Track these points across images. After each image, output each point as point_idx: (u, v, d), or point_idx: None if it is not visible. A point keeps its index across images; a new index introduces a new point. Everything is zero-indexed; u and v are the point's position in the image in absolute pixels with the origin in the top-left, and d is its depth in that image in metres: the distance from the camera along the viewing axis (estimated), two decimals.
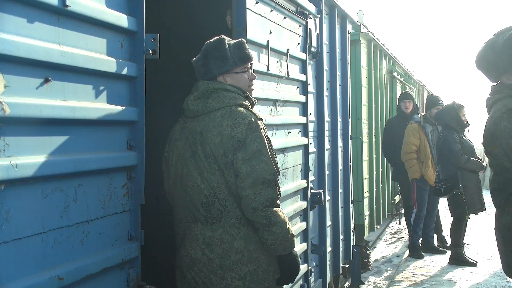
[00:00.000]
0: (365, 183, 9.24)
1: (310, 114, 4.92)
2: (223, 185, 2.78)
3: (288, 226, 2.84)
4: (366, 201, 9.21)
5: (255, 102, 3.01)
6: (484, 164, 7.42)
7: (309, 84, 4.82)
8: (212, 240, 2.80)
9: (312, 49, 4.97)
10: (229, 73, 2.92)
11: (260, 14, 3.79)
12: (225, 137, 2.77)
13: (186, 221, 2.87)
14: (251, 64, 3.01)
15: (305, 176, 4.72)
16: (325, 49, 5.54)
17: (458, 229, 7.67)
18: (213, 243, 2.80)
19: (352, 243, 6.59)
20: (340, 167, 6.14)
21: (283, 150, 4.20)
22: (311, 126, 4.98)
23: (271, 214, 2.77)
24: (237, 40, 2.98)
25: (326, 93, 5.55)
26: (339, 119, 6.16)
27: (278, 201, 2.83)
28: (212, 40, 2.97)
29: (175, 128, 2.98)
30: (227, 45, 2.92)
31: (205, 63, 2.92)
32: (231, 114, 2.80)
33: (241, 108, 2.85)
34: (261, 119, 2.89)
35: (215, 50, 2.91)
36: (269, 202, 2.77)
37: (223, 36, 2.97)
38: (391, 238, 10.71)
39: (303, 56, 4.68)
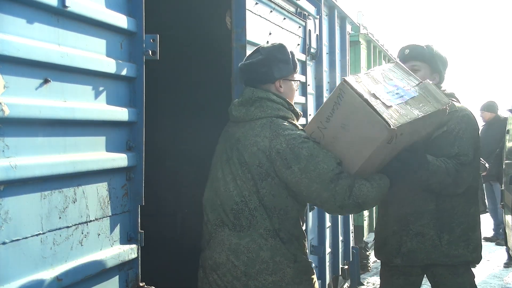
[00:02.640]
0: None
1: (310, 115, 4.92)
2: (254, 195, 2.77)
3: (373, 187, 2.77)
4: None
5: (301, 114, 3.03)
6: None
7: (308, 85, 4.82)
8: (239, 247, 2.79)
9: (312, 50, 4.97)
10: (286, 79, 2.94)
11: (259, 15, 3.79)
12: (262, 147, 2.76)
13: (213, 224, 2.86)
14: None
15: None
16: (325, 50, 5.53)
17: None
18: (239, 251, 2.79)
19: (351, 244, 6.59)
20: None
21: None
22: None
23: (357, 198, 2.73)
24: (291, 50, 3.04)
25: (325, 94, 5.55)
26: None
27: (352, 180, 2.75)
28: (271, 44, 3.05)
29: (223, 132, 3.01)
30: (289, 51, 2.99)
31: (268, 65, 2.92)
32: (271, 125, 2.79)
33: (282, 120, 2.84)
34: (303, 130, 2.88)
35: (280, 54, 2.95)
36: (348, 190, 2.73)
37: (282, 43, 3.04)
38: None
39: (302, 57, 4.68)
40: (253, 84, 2.94)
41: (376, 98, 2.73)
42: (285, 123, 2.82)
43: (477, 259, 3.39)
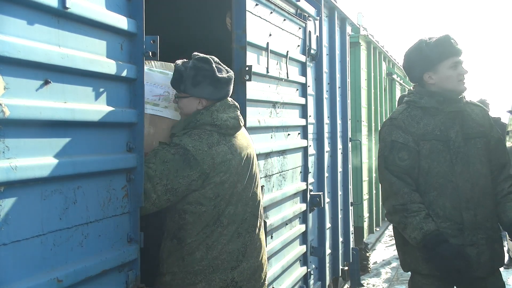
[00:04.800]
0: (365, 185, 9.24)
1: (310, 116, 4.92)
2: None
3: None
4: (365, 204, 9.21)
5: None
6: None
7: (308, 86, 4.83)
8: (263, 243, 3.04)
9: (312, 51, 4.97)
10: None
11: (259, 16, 3.79)
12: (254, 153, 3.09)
13: (246, 233, 2.91)
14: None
15: (305, 178, 4.72)
16: (325, 51, 5.54)
17: None
18: (262, 246, 3.04)
19: (351, 246, 6.59)
20: (339, 169, 6.14)
21: (283, 152, 4.20)
22: (310, 128, 4.98)
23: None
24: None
25: (325, 95, 5.56)
26: (339, 121, 6.16)
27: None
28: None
29: (221, 149, 2.97)
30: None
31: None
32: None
33: None
34: None
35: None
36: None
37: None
38: (390, 240, 10.70)
39: (302, 58, 4.68)
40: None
41: None
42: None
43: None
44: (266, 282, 3.08)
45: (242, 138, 2.96)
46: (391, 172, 3.27)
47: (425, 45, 3.36)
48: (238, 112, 2.96)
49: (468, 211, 3.23)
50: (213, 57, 2.95)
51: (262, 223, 3.04)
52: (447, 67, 3.31)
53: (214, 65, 2.88)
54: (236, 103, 2.99)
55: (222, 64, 2.96)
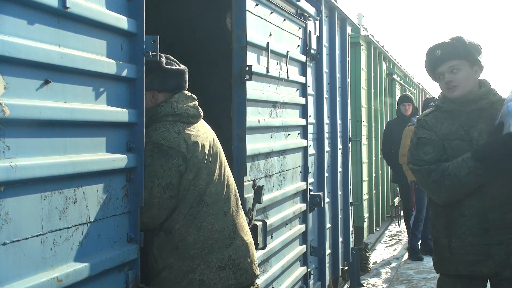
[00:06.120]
0: (365, 186, 9.25)
1: (310, 116, 4.92)
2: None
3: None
4: (365, 204, 9.21)
5: None
6: None
7: (308, 86, 4.83)
8: (245, 222, 3.06)
9: (312, 51, 4.97)
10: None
11: (260, 16, 3.79)
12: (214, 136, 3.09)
13: (231, 212, 2.96)
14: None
15: (305, 178, 4.72)
16: (325, 51, 5.54)
17: None
18: (247, 227, 3.08)
19: (351, 246, 6.59)
20: (339, 169, 6.14)
21: (283, 152, 4.21)
22: (310, 128, 4.98)
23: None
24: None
25: (325, 95, 5.56)
26: (339, 121, 6.16)
27: None
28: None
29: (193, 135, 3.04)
30: None
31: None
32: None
33: None
34: None
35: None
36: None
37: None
38: (390, 240, 10.71)
39: (302, 58, 4.68)
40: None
41: None
42: None
43: None
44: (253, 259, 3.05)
45: (204, 127, 3.02)
46: (415, 165, 3.35)
47: (425, 56, 3.46)
48: (196, 103, 3.01)
49: (495, 210, 3.21)
50: (167, 55, 3.00)
51: (240, 203, 3.09)
52: (437, 79, 3.41)
53: (162, 59, 2.94)
54: (193, 95, 3.02)
55: (175, 60, 3.02)
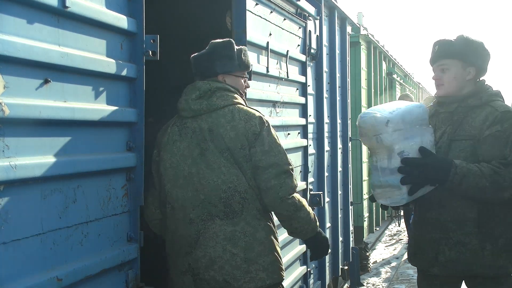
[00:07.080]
0: (365, 185, 9.24)
1: (310, 115, 4.92)
2: (243, 178, 2.78)
3: (308, 208, 2.97)
4: (365, 203, 9.21)
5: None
6: None
7: (308, 85, 4.83)
8: (234, 234, 2.76)
9: (312, 50, 4.97)
10: (230, 74, 2.93)
11: (259, 16, 3.79)
12: (240, 130, 2.78)
13: (199, 220, 2.78)
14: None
15: (305, 178, 4.72)
16: (325, 50, 5.54)
17: None
18: (235, 237, 2.76)
19: (351, 245, 6.59)
20: (339, 168, 6.14)
21: None
22: (310, 128, 4.98)
23: (296, 201, 2.86)
24: (241, 47, 3.01)
25: (325, 94, 5.56)
26: (339, 120, 6.16)
27: (296, 186, 2.92)
28: (220, 40, 2.98)
29: (171, 130, 2.88)
30: (235, 48, 2.95)
31: (210, 60, 2.92)
32: (240, 110, 2.84)
33: (245, 107, 2.90)
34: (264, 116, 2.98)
35: (223, 49, 2.92)
36: (293, 190, 2.85)
37: (231, 39, 3.00)
38: (390, 240, 10.71)
39: (302, 57, 4.68)
40: (201, 77, 2.93)
41: None
42: (250, 109, 2.90)
43: None
44: (246, 276, 2.78)
45: (205, 122, 2.83)
46: None
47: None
48: (198, 93, 2.86)
49: (433, 209, 3.26)
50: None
51: (232, 214, 2.77)
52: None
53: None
54: (216, 87, 2.88)
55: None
